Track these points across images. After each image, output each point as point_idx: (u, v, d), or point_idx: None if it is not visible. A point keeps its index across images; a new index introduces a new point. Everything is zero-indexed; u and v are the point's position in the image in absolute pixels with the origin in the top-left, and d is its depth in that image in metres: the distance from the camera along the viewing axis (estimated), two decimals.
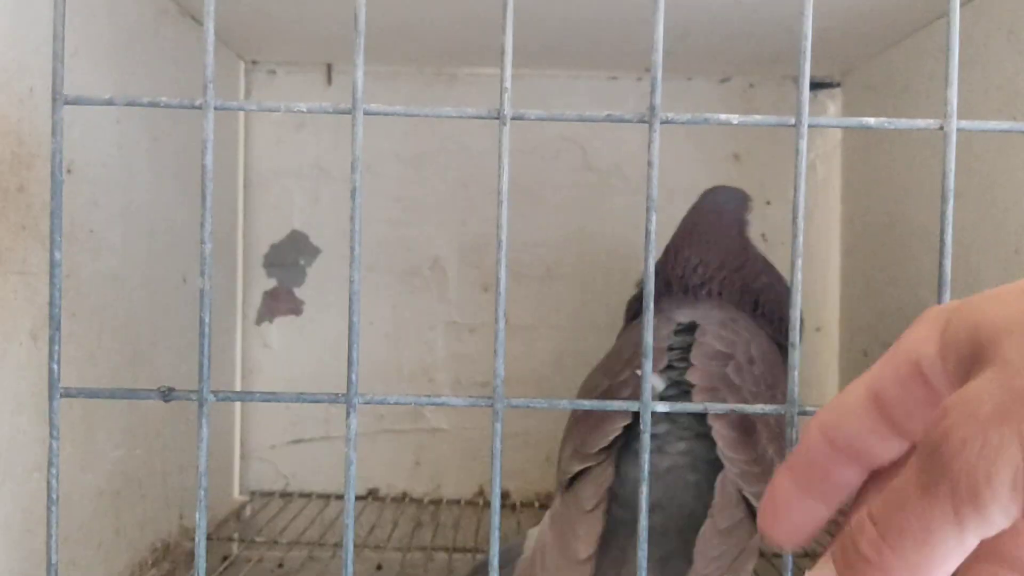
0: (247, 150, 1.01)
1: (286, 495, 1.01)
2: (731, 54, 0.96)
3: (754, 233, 1.04)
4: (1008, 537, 0.22)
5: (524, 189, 1.01)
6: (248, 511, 0.98)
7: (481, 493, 1.04)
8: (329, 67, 1.01)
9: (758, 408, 0.46)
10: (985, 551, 0.23)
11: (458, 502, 1.03)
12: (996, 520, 0.21)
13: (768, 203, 1.04)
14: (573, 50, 0.96)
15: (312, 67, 1.02)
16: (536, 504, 1.03)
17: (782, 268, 1.03)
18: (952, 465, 0.21)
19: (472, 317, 1.05)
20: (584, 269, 1.04)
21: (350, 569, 0.45)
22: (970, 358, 0.23)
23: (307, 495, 1.01)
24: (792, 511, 0.28)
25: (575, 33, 0.90)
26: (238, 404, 0.99)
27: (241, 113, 1.00)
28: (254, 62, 1.01)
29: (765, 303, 0.77)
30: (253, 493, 1.02)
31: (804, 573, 0.26)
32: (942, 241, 0.44)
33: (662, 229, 1.02)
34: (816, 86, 1.02)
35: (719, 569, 0.56)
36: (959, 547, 0.22)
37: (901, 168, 0.89)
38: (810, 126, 0.45)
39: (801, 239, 0.44)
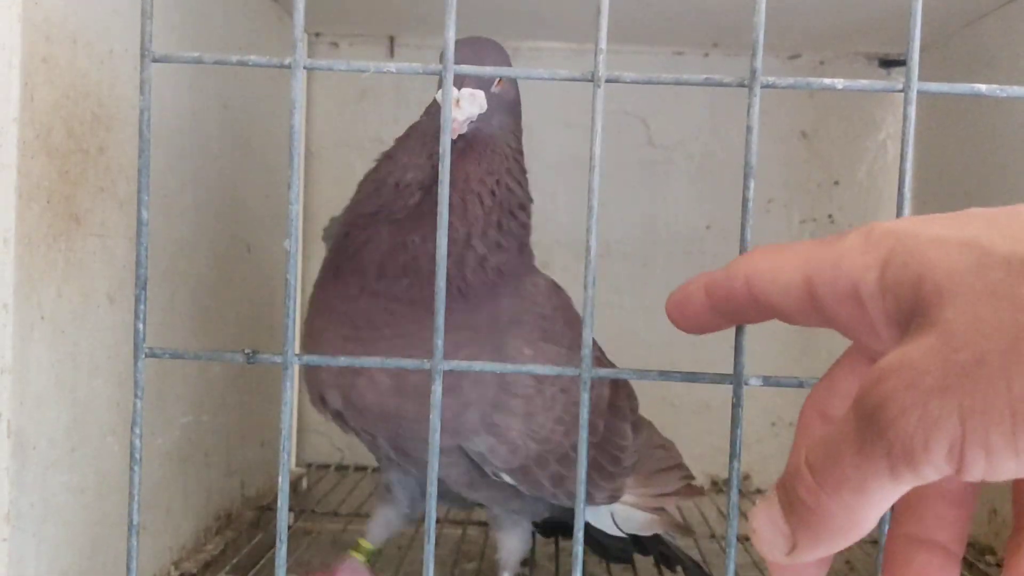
0: (308, 122, 1.01)
1: (342, 468, 1.01)
2: (802, 30, 0.94)
3: (821, 214, 1.02)
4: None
5: (585, 164, 1.00)
6: (305, 483, 0.99)
7: None
8: (391, 39, 1.01)
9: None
10: None
11: None
12: (929, 476, 0.23)
13: (836, 183, 1.01)
14: (638, 25, 0.94)
15: (374, 40, 1.01)
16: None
17: None
18: (889, 430, 0.22)
19: None
20: (645, 247, 1.02)
21: (431, 537, 0.44)
22: (910, 308, 0.24)
23: (362, 468, 1.01)
24: (698, 317, 0.32)
25: (641, 7, 0.88)
26: (299, 376, 0.99)
27: (304, 81, 0.99)
28: (317, 34, 1.01)
29: None
30: (309, 465, 1.02)
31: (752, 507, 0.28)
32: None
33: (730, 208, 1.00)
34: (890, 63, 0.99)
35: None
36: (893, 494, 0.24)
37: (979, 148, 0.86)
38: (919, 92, 0.43)
39: (907, 213, 0.43)
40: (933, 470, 0.22)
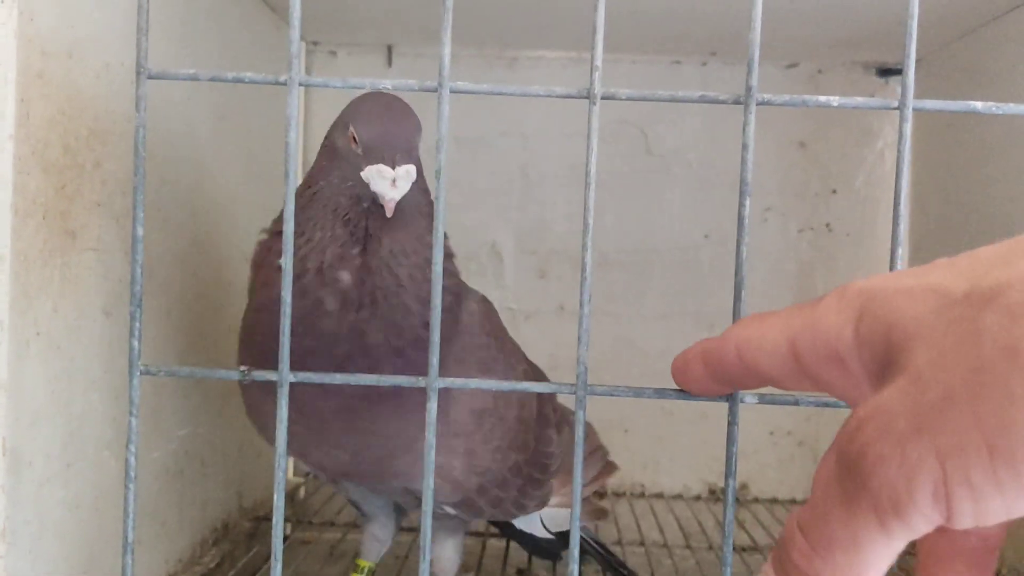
0: (307, 131, 1.01)
1: None
2: (799, 39, 0.94)
3: (818, 223, 1.02)
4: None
5: (583, 173, 1.00)
6: (302, 493, 0.98)
7: None
8: (389, 48, 1.01)
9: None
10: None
11: None
12: (919, 526, 0.22)
13: (834, 192, 1.01)
14: (636, 34, 0.94)
15: (372, 48, 1.01)
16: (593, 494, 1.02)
17: (853, 257, 1.01)
18: (872, 480, 0.22)
19: (528, 304, 1.04)
20: (642, 257, 1.02)
21: (427, 555, 0.44)
22: (884, 357, 0.24)
23: None
24: (699, 383, 0.34)
25: (638, 17, 0.88)
26: None
27: (302, 95, 0.99)
28: (315, 43, 1.01)
29: None
30: (307, 475, 1.02)
31: None
32: None
33: (727, 217, 1.01)
34: (888, 72, 0.99)
35: None
36: (887, 551, 0.23)
37: (975, 158, 0.87)
38: (915, 110, 0.43)
39: (903, 227, 0.43)
40: (922, 519, 0.22)
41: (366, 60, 1.01)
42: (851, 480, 0.23)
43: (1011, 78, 0.80)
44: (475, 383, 0.44)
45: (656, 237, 1.02)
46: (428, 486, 0.43)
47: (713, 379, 0.33)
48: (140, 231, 0.45)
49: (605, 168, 1.02)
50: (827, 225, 1.02)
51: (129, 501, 0.45)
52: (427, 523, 0.43)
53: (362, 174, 0.51)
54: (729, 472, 0.43)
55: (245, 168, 0.82)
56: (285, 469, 0.44)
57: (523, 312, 1.04)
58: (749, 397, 0.44)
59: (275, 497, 0.44)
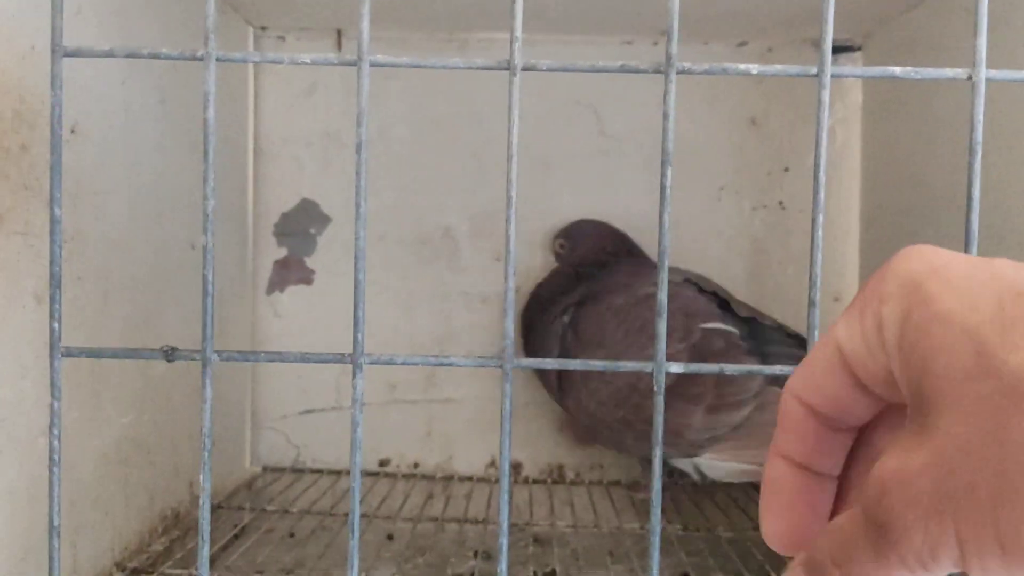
0: (256, 118, 1.00)
1: (298, 470, 1.01)
2: (749, 18, 0.94)
3: (771, 200, 1.03)
4: None
5: (536, 156, 1.00)
6: (260, 482, 0.98)
7: (493, 464, 1.03)
8: (339, 32, 1.00)
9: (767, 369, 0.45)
10: None
11: (471, 477, 1.02)
12: (943, 573, 0.24)
13: (786, 170, 1.02)
14: (587, 14, 0.94)
15: (322, 33, 1.00)
16: (548, 479, 1.02)
17: (806, 235, 1.02)
18: (899, 546, 0.24)
19: (484, 287, 1.04)
20: None
21: (356, 533, 0.44)
22: (916, 395, 0.24)
23: (319, 470, 1.00)
24: (798, 496, 0.28)
25: None
26: (250, 373, 0.98)
27: (251, 80, 0.98)
28: (263, 28, 1.00)
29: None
30: (265, 467, 1.01)
31: None
32: (969, 196, 0.43)
33: (681, 196, 1.01)
34: (837, 50, 0.99)
35: None
36: None
37: (922, 133, 0.87)
38: (833, 76, 0.43)
39: (823, 195, 0.43)
40: (944, 572, 0.24)
41: (315, 44, 1.00)
42: (881, 540, 0.25)
43: (958, 48, 0.80)
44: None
45: (611, 217, 1.02)
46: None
47: (800, 469, 0.28)
48: (58, 212, 0.44)
49: (559, 149, 1.02)
50: (780, 203, 1.02)
51: (53, 485, 0.45)
52: (356, 500, 0.43)
53: None
54: (656, 441, 0.43)
55: (188, 150, 0.81)
56: (210, 449, 0.44)
57: (479, 295, 1.03)
58: (674, 366, 0.44)
59: (201, 478, 0.44)
